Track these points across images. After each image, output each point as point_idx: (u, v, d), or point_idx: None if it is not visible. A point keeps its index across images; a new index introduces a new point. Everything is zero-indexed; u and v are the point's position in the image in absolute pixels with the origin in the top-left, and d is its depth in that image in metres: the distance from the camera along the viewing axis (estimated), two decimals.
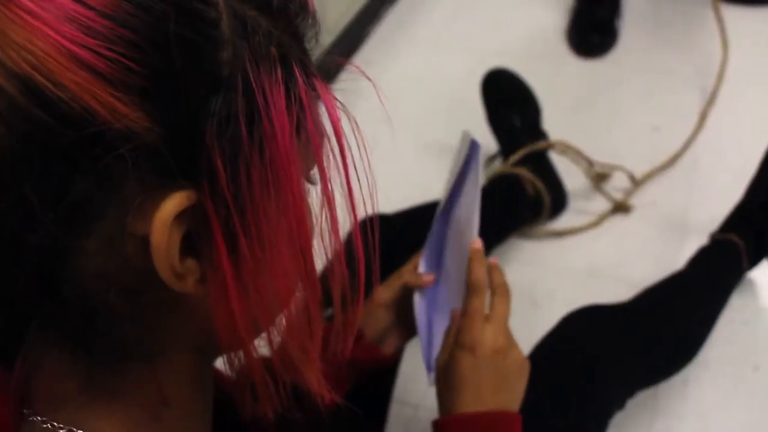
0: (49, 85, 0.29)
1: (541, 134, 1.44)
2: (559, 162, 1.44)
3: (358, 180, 0.40)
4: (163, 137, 0.32)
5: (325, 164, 0.38)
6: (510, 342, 0.73)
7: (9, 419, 0.39)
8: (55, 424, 0.38)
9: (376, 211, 0.42)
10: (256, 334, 0.41)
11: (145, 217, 0.33)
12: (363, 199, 0.41)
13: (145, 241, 0.33)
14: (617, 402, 0.88)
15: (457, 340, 0.72)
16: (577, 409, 0.83)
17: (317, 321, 0.42)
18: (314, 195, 0.39)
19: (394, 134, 1.63)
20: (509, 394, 0.71)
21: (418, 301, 0.85)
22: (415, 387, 1.18)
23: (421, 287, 0.85)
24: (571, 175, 1.45)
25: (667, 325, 0.97)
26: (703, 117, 1.51)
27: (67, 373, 0.38)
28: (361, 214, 0.41)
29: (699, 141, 1.51)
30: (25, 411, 0.39)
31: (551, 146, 1.41)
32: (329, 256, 0.41)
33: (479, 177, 0.78)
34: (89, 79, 0.30)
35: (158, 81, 0.31)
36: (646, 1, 1.92)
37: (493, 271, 0.77)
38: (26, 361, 0.37)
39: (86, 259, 0.33)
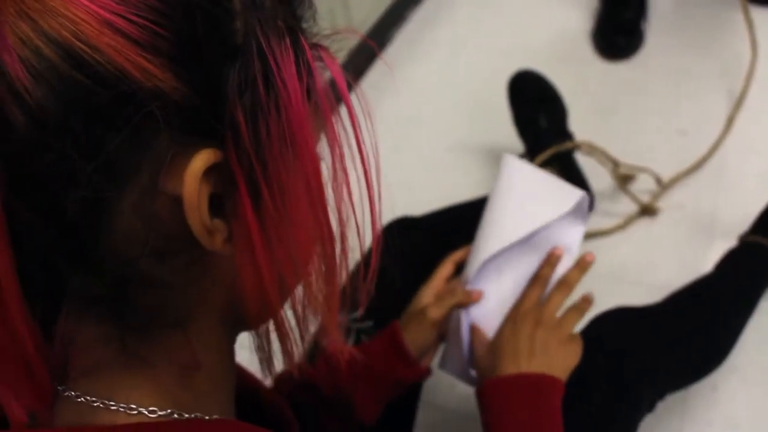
0: (87, 49, 0.32)
1: (567, 135, 1.43)
2: (585, 163, 1.43)
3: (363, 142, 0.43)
4: (190, 97, 0.34)
5: (334, 126, 0.41)
6: (556, 322, 0.83)
7: (49, 394, 0.40)
8: (88, 398, 0.40)
9: (380, 173, 0.45)
10: (282, 290, 0.43)
11: (175, 173, 0.35)
12: (370, 160, 0.44)
13: (175, 200, 0.36)
14: (647, 404, 0.88)
15: (506, 316, 0.84)
16: (607, 410, 0.82)
17: (334, 271, 0.44)
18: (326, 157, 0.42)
19: (419, 135, 1.63)
20: (546, 360, 0.79)
21: (463, 315, 0.88)
22: (439, 389, 1.18)
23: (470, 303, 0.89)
24: (596, 177, 1.44)
25: (695, 328, 0.96)
26: (730, 120, 1.50)
27: (100, 341, 0.40)
28: (371, 173, 0.44)
29: (726, 144, 1.50)
30: (59, 387, 0.40)
31: (577, 147, 1.40)
32: (345, 215, 0.44)
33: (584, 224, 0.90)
34: (122, 43, 0.32)
35: (183, 45, 0.34)
36: (672, 2, 1.90)
37: (575, 269, 0.88)
38: (63, 331, 0.39)
39: (119, 221, 0.35)
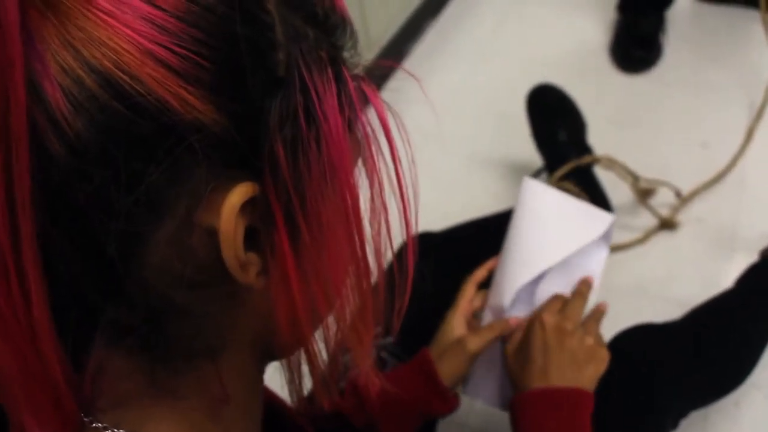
0: (128, 79, 0.31)
1: (586, 149, 1.43)
2: (604, 177, 1.43)
3: (403, 174, 0.43)
4: (230, 129, 0.34)
5: (375, 158, 0.41)
6: (578, 330, 0.83)
7: (75, 424, 0.40)
8: (116, 430, 0.39)
9: (417, 204, 0.44)
10: (315, 322, 0.43)
11: (212, 207, 0.35)
12: (409, 194, 0.44)
13: (211, 232, 0.35)
14: (671, 422, 0.87)
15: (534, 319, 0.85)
16: (633, 429, 0.82)
17: (369, 305, 0.44)
18: (363, 187, 0.42)
19: (438, 148, 1.63)
20: (575, 371, 0.79)
21: (500, 344, 0.89)
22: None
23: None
24: (616, 191, 1.43)
25: (718, 346, 0.96)
26: (750, 132, 1.49)
27: (130, 372, 0.39)
28: (409, 206, 0.44)
29: (747, 156, 1.49)
30: (86, 419, 0.40)
31: (596, 161, 1.40)
32: (380, 244, 0.44)
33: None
34: (164, 74, 0.32)
35: (225, 76, 0.33)
36: (690, 15, 1.90)
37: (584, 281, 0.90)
38: (94, 361, 0.38)
39: (153, 252, 0.35)
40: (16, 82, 0.29)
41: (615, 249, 1.39)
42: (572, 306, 0.86)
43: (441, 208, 1.29)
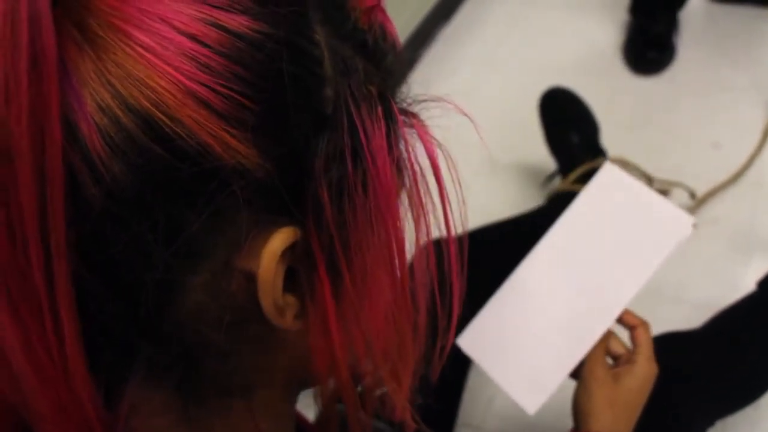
0: (167, 121, 0.30)
1: (599, 151, 1.43)
2: None
3: (452, 213, 0.41)
4: (274, 174, 0.32)
5: (423, 200, 0.38)
6: (656, 368, 0.78)
7: None
8: None
9: (465, 248, 0.42)
10: (352, 363, 0.41)
11: (252, 252, 0.33)
12: (456, 233, 0.41)
13: (249, 277, 0.34)
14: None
15: (638, 362, 0.77)
16: None
17: (409, 349, 0.42)
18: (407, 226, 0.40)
19: (451, 152, 1.63)
20: (636, 414, 0.77)
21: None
22: (476, 410, 1.17)
23: None
24: None
25: (744, 353, 0.95)
26: (765, 132, 1.48)
27: (162, 410, 0.38)
28: (455, 248, 0.41)
29: (762, 157, 1.48)
30: None
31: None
32: (419, 288, 0.41)
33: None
34: (205, 116, 0.30)
35: (269, 117, 0.32)
36: (703, 16, 1.89)
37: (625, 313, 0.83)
38: (127, 400, 0.37)
39: (190, 296, 0.33)
40: (52, 121, 0.28)
41: None
42: (643, 340, 0.80)
43: (454, 213, 1.29)
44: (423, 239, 0.39)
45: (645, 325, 0.80)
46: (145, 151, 0.30)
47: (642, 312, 0.96)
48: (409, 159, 0.37)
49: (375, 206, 0.35)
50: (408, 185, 0.38)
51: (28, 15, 0.27)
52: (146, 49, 0.29)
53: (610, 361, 0.81)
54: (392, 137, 0.35)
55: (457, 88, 1.82)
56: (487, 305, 0.86)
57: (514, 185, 1.57)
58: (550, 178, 1.46)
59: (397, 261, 0.37)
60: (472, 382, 0.95)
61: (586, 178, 1.35)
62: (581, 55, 1.84)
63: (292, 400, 0.45)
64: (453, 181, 0.40)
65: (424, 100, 0.40)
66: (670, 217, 0.82)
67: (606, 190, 0.85)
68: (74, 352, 0.31)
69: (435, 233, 0.40)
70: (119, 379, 0.36)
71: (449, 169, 0.39)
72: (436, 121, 0.43)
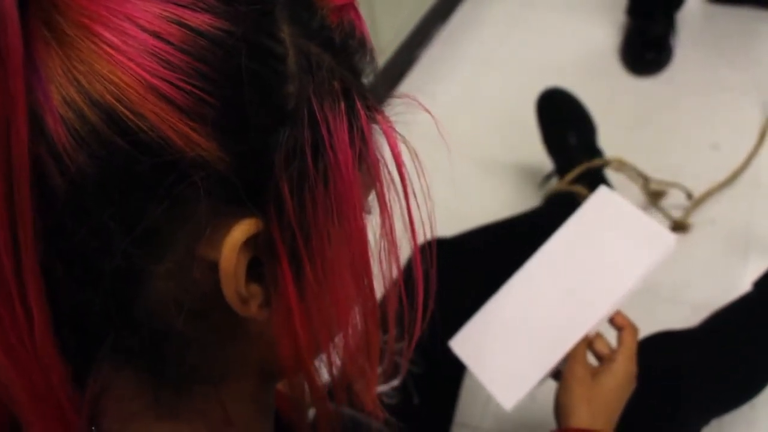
0: (130, 115, 0.31)
1: (596, 152, 1.43)
2: (615, 180, 1.43)
3: (418, 208, 0.41)
4: (234, 166, 0.33)
5: (385, 193, 0.39)
6: (635, 369, 0.80)
7: None
8: None
9: (434, 237, 0.43)
10: (317, 354, 0.42)
11: (214, 242, 0.34)
12: (422, 227, 0.42)
13: (212, 266, 0.35)
14: (694, 430, 0.87)
15: (617, 360, 0.79)
16: None
17: (375, 343, 0.43)
18: (373, 222, 0.40)
19: (448, 154, 1.63)
20: (616, 414, 0.77)
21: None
22: (473, 409, 1.17)
23: None
24: (627, 193, 1.43)
25: (740, 351, 0.95)
26: (763, 133, 1.48)
27: (134, 393, 0.39)
28: (420, 241, 0.42)
29: (760, 157, 1.48)
30: (93, 429, 0.40)
31: (607, 164, 1.40)
32: (387, 282, 0.42)
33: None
34: (167, 110, 0.31)
35: (230, 112, 0.32)
36: (701, 16, 1.90)
37: (616, 314, 0.85)
38: (96, 382, 0.38)
39: (155, 284, 0.34)
40: (17, 115, 0.29)
41: None
42: (630, 345, 0.81)
43: (450, 214, 1.29)
44: (387, 234, 0.40)
45: (632, 327, 0.82)
46: (108, 144, 0.31)
47: (639, 312, 0.96)
48: (371, 154, 0.38)
49: (336, 200, 0.36)
50: (369, 181, 0.39)
51: None
52: (111, 46, 0.31)
53: (594, 360, 0.82)
54: (355, 132, 0.36)
55: (455, 88, 1.82)
56: (479, 312, 0.90)
57: (511, 185, 1.57)
58: (548, 178, 1.47)
59: (358, 253, 0.38)
60: (469, 381, 0.95)
61: (583, 178, 1.35)
62: (579, 56, 1.84)
63: (268, 389, 0.46)
64: (418, 175, 0.40)
65: (390, 97, 0.41)
66: (654, 235, 0.88)
67: (598, 210, 0.92)
68: (44, 338, 0.33)
69: (399, 228, 0.40)
70: (92, 366, 0.37)
71: (414, 163, 0.40)
72: (431, 123, 0.43)
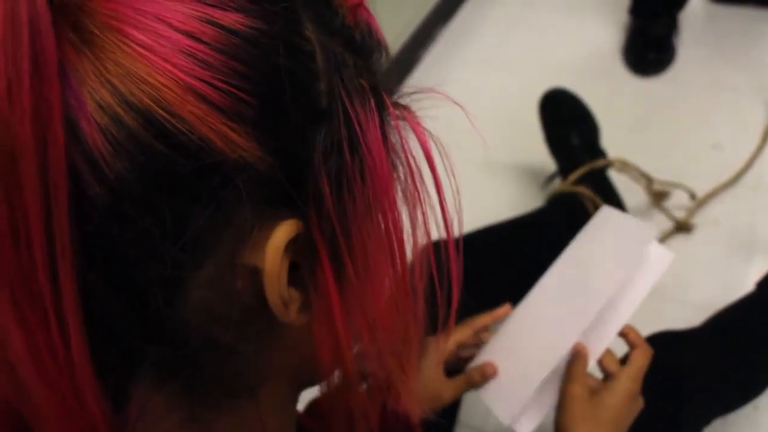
0: (168, 117, 0.30)
1: (599, 152, 1.43)
2: (618, 180, 1.42)
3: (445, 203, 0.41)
4: (274, 166, 0.32)
5: (419, 189, 0.39)
6: (639, 389, 0.78)
7: None
8: None
9: (461, 232, 0.43)
10: (356, 356, 0.41)
11: (256, 246, 0.33)
12: (452, 221, 0.42)
13: (253, 271, 0.34)
14: (695, 430, 0.87)
15: (619, 379, 0.77)
16: None
17: (414, 337, 0.43)
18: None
19: (451, 154, 1.63)
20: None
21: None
22: (476, 410, 1.17)
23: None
24: (630, 194, 1.43)
25: (743, 351, 0.95)
26: (766, 133, 1.48)
27: (168, 410, 0.38)
28: (453, 234, 0.42)
29: (763, 158, 1.48)
30: None
31: (610, 164, 1.39)
32: (418, 275, 0.42)
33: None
34: (206, 110, 0.30)
35: (268, 111, 0.32)
36: (703, 16, 1.89)
37: (631, 331, 0.83)
38: (136, 400, 0.36)
39: (195, 292, 0.33)
40: (54, 121, 0.28)
41: None
42: (640, 364, 0.79)
43: (454, 215, 1.29)
44: (420, 229, 0.40)
45: (645, 348, 0.80)
46: (147, 148, 0.30)
47: (642, 312, 0.96)
48: (404, 149, 0.38)
49: (373, 194, 0.35)
50: (402, 176, 0.39)
51: (28, 17, 0.27)
52: (144, 47, 0.30)
53: (600, 376, 0.81)
54: (386, 128, 0.36)
55: (457, 89, 1.82)
56: (490, 340, 0.90)
57: (514, 186, 1.57)
58: (551, 179, 1.46)
59: (396, 247, 0.38)
60: None
61: (586, 179, 1.35)
62: (581, 56, 1.84)
63: (295, 398, 0.46)
64: (446, 170, 0.41)
65: (414, 92, 0.40)
66: (652, 253, 0.88)
67: (599, 230, 0.92)
68: (80, 356, 0.31)
69: (431, 223, 0.40)
70: (126, 382, 0.35)
71: (442, 158, 0.40)
72: (434, 124, 0.43)
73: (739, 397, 0.95)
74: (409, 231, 0.40)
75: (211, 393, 0.38)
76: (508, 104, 1.73)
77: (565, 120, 1.44)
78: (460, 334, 0.87)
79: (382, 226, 0.37)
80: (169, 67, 0.30)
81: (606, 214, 0.93)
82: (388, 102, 0.37)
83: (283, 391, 0.42)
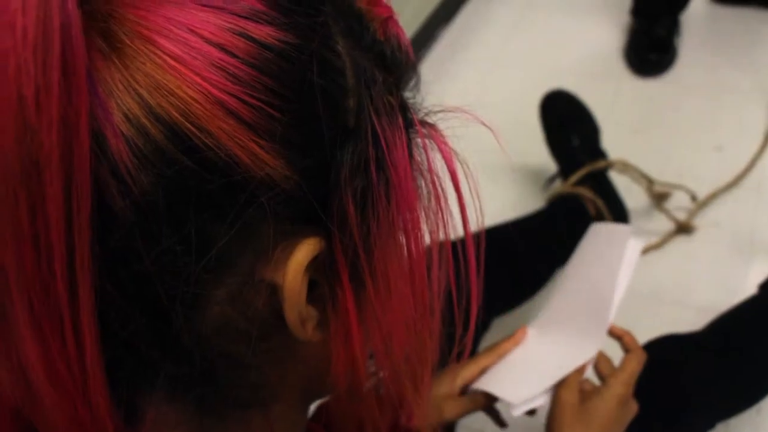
0: (196, 131, 0.29)
1: (600, 154, 1.42)
2: (619, 182, 1.42)
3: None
4: (300, 185, 0.32)
5: (443, 209, 0.39)
6: (631, 393, 0.77)
7: None
8: None
9: (482, 250, 0.42)
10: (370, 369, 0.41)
11: (277, 263, 0.33)
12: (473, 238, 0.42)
13: (273, 288, 0.33)
14: None
15: (610, 385, 0.77)
16: None
17: (430, 354, 0.42)
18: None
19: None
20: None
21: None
22: (478, 414, 1.16)
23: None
24: (631, 195, 1.42)
25: (747, 355, 0.94)
26: (767, 136, 1.48)
27: (178, 421, 0.37)
28: (472, 253, 0.42)
29: (764, 159, 1.47)
30: None
31: (611, 165, 1.39)
32: (436, 291, 0.41)
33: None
34: (234, 126, 0.30)
35: (298, 128, 0.31)
36: (705, 17, 1.89)
37: (626, 335, 0.83)
38: (149, 417, 0.36)
39: (213, 308, 0.33)
40: (81, 132, 0.27)
41: None
42: (631, 368, 0.79)
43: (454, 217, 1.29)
44: (441, 250, 0.39)
45: (639, 353, 0.80)
46: (173, 163, 0.29)
47: (644, 315, 0.96)
48: (429, 170, 0.37)
49: (397, 214, 0.35)
50: (426, 195, 0.38)
51: (60, 23, 0.26)
52: (174, 58, 0.29)
53: (597, 381, 0.81)
54: (412, 147, 0.36)
55: (458, 90, 1.81)
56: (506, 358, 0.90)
57: (515, 187, 1.56)
58: (551, 180, 1.46)
59: (416, 267, 0.37)
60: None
61: (586, 180, 1.35)
62: (583, 57, 1.83)
63: (306, 409, 0.45)
64: (471, 191, 0.40)
65: (441, 111, 0.40)
66: (618, 239, 0.89)
67: (591, 244, 0.94)
68: (94, 368, 0.31)
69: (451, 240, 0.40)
70: (139, 394, 0.35)
71: (467, 179, 0.39)
72: (455, 131, 0.42)
73: (743, 401, 0.95)
74: (430, 251, 0.39)
75: (222, 405, 0.38)
76: (510, 105, 1.72)
77: (566, 121, 1.43)
78: (487, 359, 0.85)
79: (404, 246, 0.36)
80: (200, 81, 0.29)
81: (594, 230, 0.96)
82: (415, 120, 0.36)
83: (294, 402, 0.42)
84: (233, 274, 0.32)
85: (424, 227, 0.38)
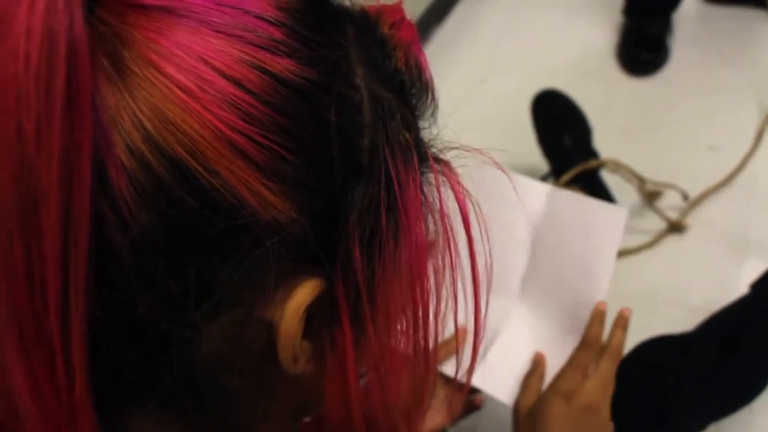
0: (202, 171, 0.27)
1: (592, 153, 1.42)
2: (611, 181, 1.42)
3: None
4: (307, 228, 0.31)
5: (452, 254, 0.37)
6: (604, 401, 0.76)
7: None
8: None
9: (489, 291, 0.41)
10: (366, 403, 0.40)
11: (276, 303, 0.32)
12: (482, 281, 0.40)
13: (269, 325, 0.32)
14: None
15: (553, 386, 0.76)
16: None
17: (426, 393, 0.41)
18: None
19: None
20: None
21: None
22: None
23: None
24: (623, 194, 1.42)
25: (739, 355, 0.94)
26: (760, 134, 1.47)
27: None
28: (482, 298, 0.40)
29: (756, 158, 1.47)
30: None
31: (603, 165, 1.39)
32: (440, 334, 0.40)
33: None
34: (243, 168, 0.28)
35: (309, 171, 0.30)
36: (697, 16, 1.89)
37: (616, 329, 0.81)
38: None
39: (207, 343, 0.32)
40: (82, 166, 0.25)
41: (622, 253, 1.37)
42: (601, 372, 0.78)
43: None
44: (446, 291, 0.38)
45: (613, 353, 0.79)
46: (176, 202, 0.27)
47: (636, 315, 0.95)
48: (441, 211, 0.36)
49: (404, 259, 0.33)
50: (434, 233, 0.37)
51: (67, 50, 0.24)
52: (184, 90, 0.27)
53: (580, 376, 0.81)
54: (425, 187, 0.34)
55: (450, 90, 1.81)
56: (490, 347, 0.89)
57: None
58: (543, 179, 1.46)
59: (420, 314, 0.36)
60: None
61: (578, 179, 1.35)
62: (575, 56, 1.83)
63: (295, 427, 0.45)
64: (481, 234, 0.38)
65: (456, 148, 0.38)
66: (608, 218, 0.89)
67: (576, 216, 0.92)
68: (83, 397, 0.29)
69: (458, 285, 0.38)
70: (125, 419, 0.34)
71: (478, 221, 0.38)
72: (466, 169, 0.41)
73: (735, 401, 0.94)
74: (435, 294, 0.38)
75: (210, 427, 0.37)
76: (502, 104, 1.72)
77: (557, 121, 1.43)
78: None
79: (409, 291, 0.35)
80: (210, 117, 0.27)
81: (578, 203, 0.93)
82: (430, 157, 0.35)
83: (283, 422, 0.41)
84: (231, 312, 0.31)
85: (431, 269, 0.37)
